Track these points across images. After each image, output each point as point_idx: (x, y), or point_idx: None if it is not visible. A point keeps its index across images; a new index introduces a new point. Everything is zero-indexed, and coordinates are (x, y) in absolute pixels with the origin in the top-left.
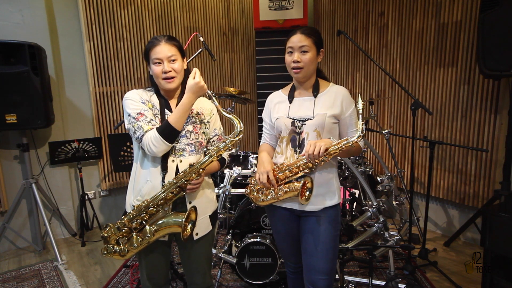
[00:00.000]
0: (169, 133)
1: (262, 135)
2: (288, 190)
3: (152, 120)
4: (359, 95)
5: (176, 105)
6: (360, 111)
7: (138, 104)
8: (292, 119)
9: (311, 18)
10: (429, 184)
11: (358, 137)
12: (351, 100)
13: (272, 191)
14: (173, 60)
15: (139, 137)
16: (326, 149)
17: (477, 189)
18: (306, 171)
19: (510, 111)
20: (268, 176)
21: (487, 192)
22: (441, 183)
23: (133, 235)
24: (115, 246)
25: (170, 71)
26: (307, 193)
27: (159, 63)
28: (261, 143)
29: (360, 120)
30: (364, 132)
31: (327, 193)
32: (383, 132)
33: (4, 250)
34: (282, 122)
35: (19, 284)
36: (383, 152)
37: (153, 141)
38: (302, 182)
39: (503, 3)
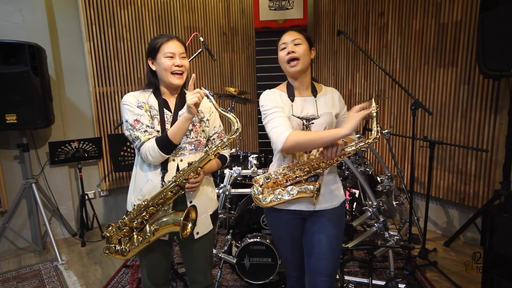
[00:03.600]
0: (166, 145)
1: (278, 124)
2: (302, 190)
3: (148, 127)
4: (373, 98)
5: (175, 104)
6: (374, 114)
7: (134, 110)
8: (298, 118)
9: (311, 18)
10: (429, 184)
11: (374, 139)
12: (343, 99)
13: (282, 191)
14: (183, 58)
15: (137, 146)
16: (342, 149)
17: (477, 189)
18: (318, 170)
19: (510, 111)
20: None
21: (487, 192)
22: (441, 183)
23: (134, 234)
24: (117, 246)
25: (182, 66)
26: (316, 192)
27: (172, 57)
28: (289, 132)
29: (375, 122)
30: (380, 134)
31: (335, 190)
32: (383, 132)
33: (4, 250)
34: (294, 120)
35: (19, 284)
36: (383, 152)
37: (151, 151)
38: (316, 182)
39: (503, 3)
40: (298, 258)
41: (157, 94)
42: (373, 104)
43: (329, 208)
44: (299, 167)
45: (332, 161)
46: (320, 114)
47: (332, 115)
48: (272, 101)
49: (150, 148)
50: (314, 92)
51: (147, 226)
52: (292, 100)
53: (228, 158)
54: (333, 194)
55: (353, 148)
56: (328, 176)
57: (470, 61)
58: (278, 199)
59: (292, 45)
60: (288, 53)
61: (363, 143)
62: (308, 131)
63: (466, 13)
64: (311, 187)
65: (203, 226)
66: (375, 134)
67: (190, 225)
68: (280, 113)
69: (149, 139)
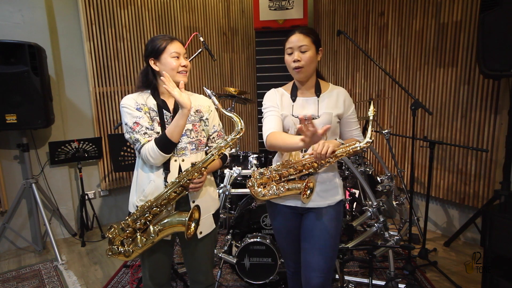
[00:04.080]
0: (165, 145)
1: (267, 122)
2: (290, 188)
3: (148, 128)
4: (371, 101)
5: (174, 105)
6: (371, 117)
7: (133, 112)
8: (297, 118)
9: (311, 18)
10: (429, 184)
11: (366, 143)
12: (351, 100)
13: (274, 187)
14: (185, 58)
15: (138, 149)
16: (334, 151)
17: (477, 189)
18: (310, 170)
19: (510, 111)
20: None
21: (487, 192)
22: (441, 183)
23: (138, 235)
24: (120, 247)
25: (187, 66)
26: (308, 192)
27: (177, 57)
28: (269, 132)
29: (370, 126)
30: (373, 138)
31: (331, 190)
32: (383, 132)
33: (4, 250)
34: (290, 120)
35: (19, 284)
36: (383, 152)
37: (150, 152)
38: (305, 181)
39: (503, 3)
40: (295, 250)
41: (156, 95)
42: (371, 107)
43: (324, 206)
44: (293, 165)
45: (323, 162)
46: (320, 114)
47: (332, 115)
48: (271, 100)
49: (149, 149)
50: (318, 92)
51: (151, 226)
52: (294, 100)
53: (228, 156)
54: (329, 192)
55: (344, 150)
56: (326, 174)
57: (470, 61)
58: (270, 194)
59: (298, 53)
60: (294, 61)
61: (355, 145)
62: (283, 133)
63: (466, 13)
64: (300, 185)
65: (206, 225)
66: (368, 138)
67: (193, 225)
68: (273, 112)
69: (148, 141)
